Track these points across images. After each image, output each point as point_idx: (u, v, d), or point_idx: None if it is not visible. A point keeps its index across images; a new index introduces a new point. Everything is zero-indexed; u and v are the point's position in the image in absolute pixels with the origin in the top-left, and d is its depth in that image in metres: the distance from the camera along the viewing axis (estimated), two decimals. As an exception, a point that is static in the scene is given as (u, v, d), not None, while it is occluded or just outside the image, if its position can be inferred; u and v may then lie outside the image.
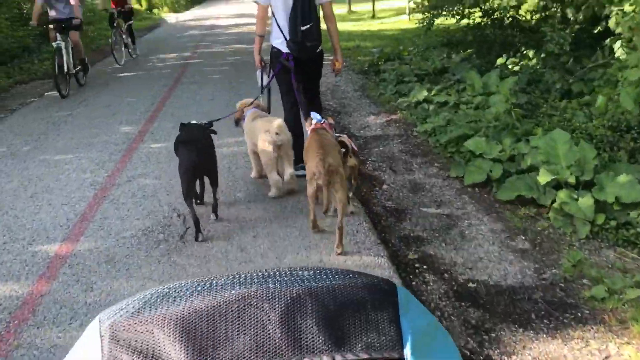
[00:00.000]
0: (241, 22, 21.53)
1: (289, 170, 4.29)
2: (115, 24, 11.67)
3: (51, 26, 8.63)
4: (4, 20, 13.23)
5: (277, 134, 4.06)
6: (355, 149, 4.23)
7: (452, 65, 8.13)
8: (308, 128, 4.01)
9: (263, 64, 4.72)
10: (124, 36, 12.16)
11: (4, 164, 5.47)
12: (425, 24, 9.89)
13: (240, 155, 5.37)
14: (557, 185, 4.08)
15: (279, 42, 4.43)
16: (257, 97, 4.73)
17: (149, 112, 7.40)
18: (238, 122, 4.73)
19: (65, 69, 8.51)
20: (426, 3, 10.79)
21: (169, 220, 3.95)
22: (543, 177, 4.01)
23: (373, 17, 23.53)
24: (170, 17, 27.45)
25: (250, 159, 4.69)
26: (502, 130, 5.07)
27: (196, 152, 3.64)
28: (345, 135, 4.25)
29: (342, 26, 19.05)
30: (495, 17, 9.52)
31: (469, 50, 8.57)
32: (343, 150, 3.88)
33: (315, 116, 4.00)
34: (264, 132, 4.10)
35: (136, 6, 27.79)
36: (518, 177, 4.31)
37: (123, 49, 12.05)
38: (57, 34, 8.45)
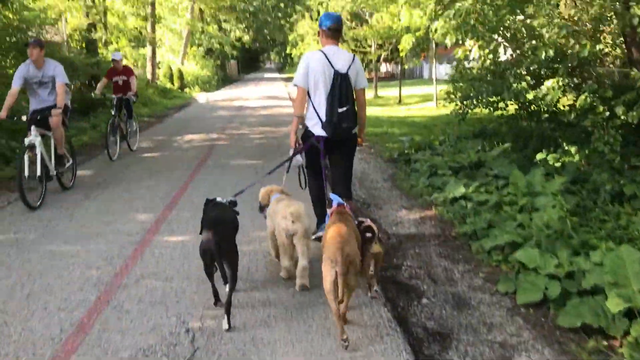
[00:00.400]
0: (269, 103, 21.76)
1: (302, 262, 4.05)
2: (115, 112, 10.43)
3: (24, 117, 7.07)
4: None
5: (292, 222, 3.96)
6: (378, 234, 4.01)
7: (488, 159, 7.69)
8: (329, 210, 4.01)
9: (297, 145, 4.79)
10: (122, 126, 10.60)
11: (6, 254, 5.05)
12: (457, 114, 9.59)
13: (261, 254, 4.88)
14: (630, 312, 3.47)
15: (313, 123, 4.64)
16: (270, 172, 5.07)
17: (169, 197, 7.04)
18: (263, 208, 4.61)
19: (38, 172, 6.65)
20: (459, 94, 10.55)
21: (175, 338, 3.41)
22: (613, 304, 3.41)
23: (399, 102, 23.65)
24: (201, 97, 28.03)
25: (269, 243, 4.54)
26: (555, 239, 4.51)
27: (217, 235, 3.56)
28: (367, 220, 4.11)
29: (369, 111, 19.05)
30: (532, 109, 9.19)
31: (506, 145, 8.15)
32: (369, 235, 3.82)
33: (335, 198, 3.98)
34: (282, 217, 4.03)
35: (168, 85, 28.59)
36: (581, 300, 3.70)
37: (118, 143, 10.38)
38: (33, 128, 6.75)
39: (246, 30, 44.08)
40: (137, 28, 25.41)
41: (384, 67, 59.46)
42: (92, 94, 17.76)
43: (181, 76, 31.44)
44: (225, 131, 13.64)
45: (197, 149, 10.98)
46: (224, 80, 43.34)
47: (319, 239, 4.53)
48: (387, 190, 7.55)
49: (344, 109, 4.49)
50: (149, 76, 26.97)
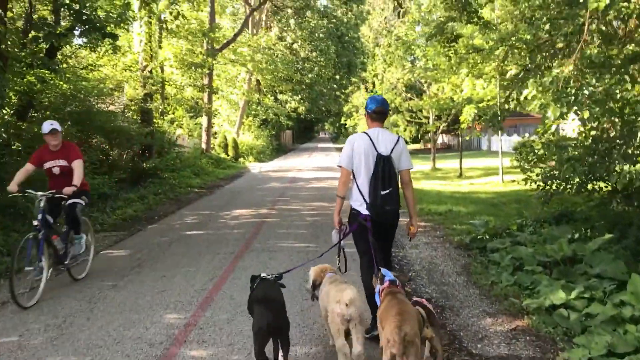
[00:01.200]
0: (322, 175, 20.98)
1: (357, 349, 3.82)
2: (42, 222, 5.90)
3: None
4: None
5: (346, 305, 3.84)
6: (434, 319, 3.91)
7: (586, 253, 6.38)
8: (378, 285, 4.00)
9: (341, 225, 4.77)
10: (57, 244, 6.23)
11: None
12: (540, 196, 8.36)
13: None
14: None
15: (359, 203, 4.63)
16: (319, 256, 5.09)
17: (205, 291, 6.05)
18: (315, 287, 4.55)
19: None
20: (537, 172, 9.32)
21: None
22: None
23: (460, 176, 22.43)
24: (254, 167, 27.69)
25: (325, 324, 4.36)
26: None
27: (271, 312, 3.64)
28: (423, 300, 4.09)
29: (428, 185, 17.89)
30: (629, 191, 7.86)
31: (608, 236, 6.81)
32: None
33: (387, 274, 3.91)
34: (335, 302, 3.93)
35: (222, 154, 28.46)
36: None
37: (45, 272, 5.97)
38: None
39: (302, 101, 44.44)
40: (193, 98, 25.61)
41: (440, 139, 58.73)
42: (144, 164, 17.70)
43: (236, 146, 31.43)
44: (275, 205, 12.79)
45: (244, 226, 10.09)
46: (278, 149, 43.41)
47: (375, 337, 4.30)
48: (463, 288, 6.32)
49: (387, 191, 4.51)
50: (203, 145, 26.95)
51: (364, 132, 4.75)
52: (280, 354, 3.83)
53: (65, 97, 14.14)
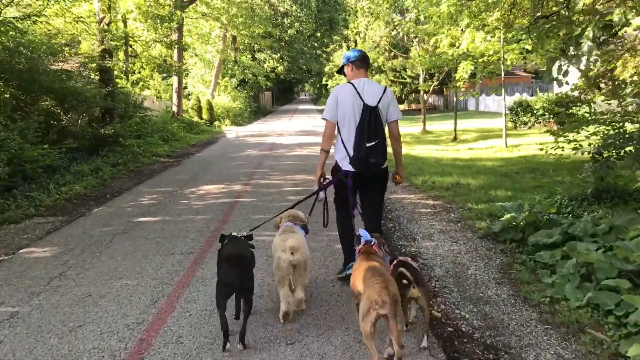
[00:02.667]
0: (305, 140, 18.94)
1: (298, 294, 4.10)
2: None
3: None
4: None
5: (292, 253, 3.97)
6: (420, 277, 3.77)
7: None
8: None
9: (322, 180, 4.68)
10: None
11: None
12: (596, 169, 6.51)
13: None
14: None
15: (341, 157, 4.51)
16: (292, 206, 4.89)
17: (142, 325, 4.12)
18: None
19: None
20: (595, 139, 7.48)
21: None
22: None
23: (455, 139, 20.58)
24: (231, 131, 25.53)
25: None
26: None
27: (235, 270, 3.67)
28: (407, 258, 3.99)
29: (422, 150, 15.99)
30: None
31: None
32: (405, 282, 3.58)
33: (364, 235, 3.92)
34: (281, 250, 4.03)
35: (195, 118, 26.16)
36: None
37: None
38: None
39: (281, 60, 41.84)
40: (162, 56, 23.16)
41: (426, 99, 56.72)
42: (103, 131, 15.47)
43: (210, 108, 29.12)
44: (251, 180, 10.80)
45: (211, 209, 8.12)
46: (257, 112, 41.06)
47: (346, 278, 4.56)
48: (511, 307, 4.47)
49: (372, 143, 4.34)
50: (174, 108, 24.63)
51: (349, 82, 4.54)
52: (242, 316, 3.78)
53: (11, 52, 11.91)
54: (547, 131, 9.90)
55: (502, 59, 16.07)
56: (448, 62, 20.35)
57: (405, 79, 53.97)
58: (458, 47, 18.36)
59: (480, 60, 17.24)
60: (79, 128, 15.02)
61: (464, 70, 18.95)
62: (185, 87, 35.64)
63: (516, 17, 15.21)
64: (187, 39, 30.19)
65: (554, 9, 11.66)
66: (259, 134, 23.35)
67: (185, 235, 6.67)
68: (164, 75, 29.42)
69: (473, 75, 21.62)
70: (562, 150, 7.82)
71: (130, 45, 22.07)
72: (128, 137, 16.34)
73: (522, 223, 6.20)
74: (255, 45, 37.71)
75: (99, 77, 17.22)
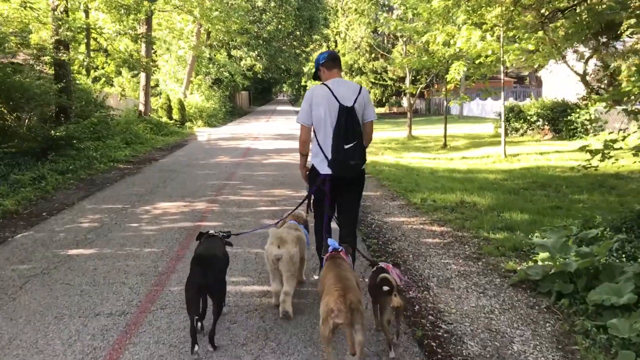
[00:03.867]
0: (283, 146, 17.27)
1: (284, 288, 4.08)
2: None
3: None
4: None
5: (278, 247, 4.04)
6: (400, 284, 3.78)
7: None
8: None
9: (308, 176, 4.56)
10: None
11: None
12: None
13: None
14: None
15: (318, 160, 4.35)
16: (296, 207, 4.87)
17: None
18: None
19: None
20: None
21: None
22: None
23: (445, 146, 19.18)
24: (202, 134, 23.73)
25: None
26: None
27: (204, 270, 3.58)
28: (389, 265, 3.90)
29: (412, 158, 14.50)
30: None
31: None
32: (386, 288, 3.45)
33: (332, 243, 3.87)
34: (269, 243, 4.10)
35: (164, 118, 24.31)
36: None
37: None
38: None
39: (259, 58, 40.04)
40: (128, 51, 21.29)
41: (406, 102, 55.42)
42: (53, 132, 13.62)
43: (182, 108, 27.24)
44: (219, 195, 9.13)
45: (164, 238, 6.44)
46: (233, 112, 39.22)
47: None
48: None
49: (351, 145, 4.18)
50: (141, 107, 22.75)
51: (323, 84, 4.38)
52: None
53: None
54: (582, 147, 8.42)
55: (501, 59, 14.67)
56: (438, 62, 18.98)
57: (387, 81, 52.97)
58: (450, 46, 16.96)
59: (477, 61, 15.83)
60: (26, 129, 13.16)
61: (456, 71, 17.55)
62: (157, 85, 33.70)
63: (519, 13, 13.84)
64: (157, 33, 28.30)
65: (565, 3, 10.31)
66: (233, 137, 21.61)
67: (122, 280, 4.98)
68: (135, 72, 27.50)
69: (465, 77, 20.28)
70: (614, 161, 6.32)
71: (94, 39, 20.18)
72: (84, 140, 14.52)
73: (572, 270, 4.67)
74: (231, 42, 35.87)
75: (53, 72, 15.38)
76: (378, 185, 10.40)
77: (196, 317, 3.70)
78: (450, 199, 8.86)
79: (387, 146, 19.42)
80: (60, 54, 14.63)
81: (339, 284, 3.16)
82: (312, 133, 4.38)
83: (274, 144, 18.33)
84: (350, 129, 4.18)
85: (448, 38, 15.48)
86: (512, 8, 13.91)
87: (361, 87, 4.37)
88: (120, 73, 29.91)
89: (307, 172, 4.57)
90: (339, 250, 3.80)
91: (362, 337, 3.09)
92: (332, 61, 4.49)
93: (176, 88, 31.69)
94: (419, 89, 22.64)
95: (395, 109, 52.54)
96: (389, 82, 51.75)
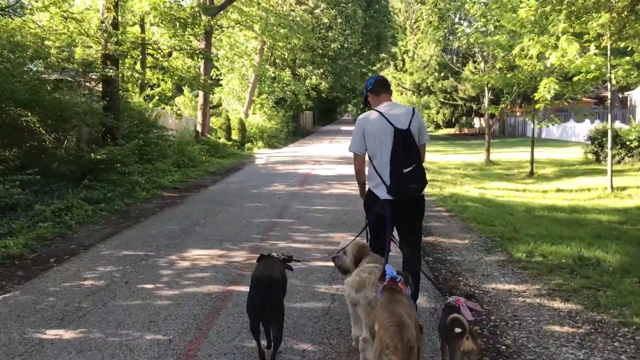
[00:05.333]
0: (346, 171, 15.38)
1: (363, 334, 3.54)
2: None
3: None
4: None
5: (355, 291, 3.63)
6: (471, 317, 3.42)
7: None
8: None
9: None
10: None
11: None
12: None
13: None
14: None
15: (378, 188, 4.18)
16: (357, 235, 4.54)
17: None
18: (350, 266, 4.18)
19: None
20: None
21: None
22: None
23: (532, 175, 16.76)
24: (261, 156, 22.28)
25: None
26: None
27: (259, 293, 3.55)
28: (459, 299, 3.53)
29: (499, 189, 12.14)
30: None
31: None
32: (458, 330, 3.14)
33: (390, 271, 3.52)
34: (346, 282, 3.79)
35: (222, 139, 23.08)
36: None
37: None
38: None
39: (324, 76, 38.60)
40: (185, 68, 20.20)
41: (477, 123, 52.39)
42: (92, 155, 12.41)
43: (243, 128, 26.05)
44: (266, 240, 7.32)
45: (179, 315, 4.67)
46: (295, 133, 37.86)
47: None
48: None
49: (410, 168, 4.05)
50: (198, 128, 21.61)
51: (374, 110, 4.28)
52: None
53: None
54: None
55: (608, 75, 12.28)
56: (525, 80, 16.69)
57: (457, 100, 50.30)
58: (541, 61, 14.67)
59: (576, 78, 13.48)
60: (64, 151, 11.99)
61: (546, 89, 15.20)
62: (219, 105, 32.87)
63: (635, 19, 11.48)
64: (220, 51, 27.39)
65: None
66: (292, 160, 19.97)
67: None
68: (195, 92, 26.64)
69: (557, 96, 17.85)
70: None
71: (150, 54, 19.22)
72: (129, 163, 13.24)
73: None
74: (296, 60, 34.63)
75: (102, 91, 14.31)
76: (464, 228, 8.33)
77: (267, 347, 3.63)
78: (563, 252, 6.71)
79: (464, 172, 17.21)
80: (107, 70, 13.49)
81: (394, 319, 2.98)
82: (369, 160, 4.23)
83: (336, 169, 16.51)
84: (409, 152, 4.07)
85: (543, 50, 13.20)
86: (624, 14, 11.60)
87: (414, 109, 4.27)
88: (181, 91, 29.23)
89: (364, 203, 4.42)
90: (397, 280, 3.51)
91: None
92: (379, 87, 4.40)
93: (238, 107, 30.69)
94: (501, 109, 20.21)
95: (465, 130, 49.79)
96: (459, 102, 49.29)
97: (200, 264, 6.13)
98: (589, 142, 21.07)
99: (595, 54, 12.76)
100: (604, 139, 19.72)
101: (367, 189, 4.34)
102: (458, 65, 45.76)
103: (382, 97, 4.35)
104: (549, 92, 15.31)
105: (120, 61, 14.90)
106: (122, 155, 13.00)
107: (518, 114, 44.89)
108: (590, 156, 20.60)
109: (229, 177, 14.87)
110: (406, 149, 4.05)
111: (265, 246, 6.86)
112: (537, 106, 15.83)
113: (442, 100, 50.27)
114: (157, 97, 18.05)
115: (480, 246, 7.21)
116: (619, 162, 19.16)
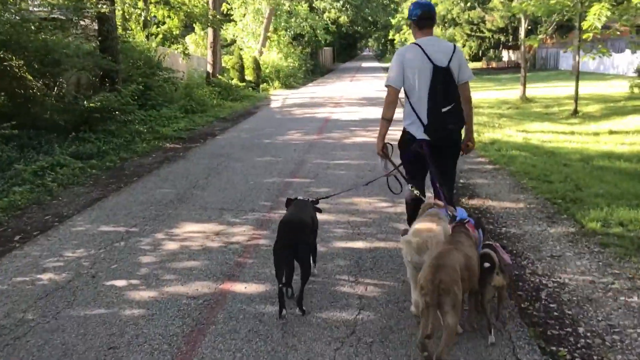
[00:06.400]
0: (370, 115, 13.87)
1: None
2: None
3: None
4: None
5: (418, 254, 3.26)
6: (508, 262, 3.43)
7: None
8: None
9: (385, 151, 4.15)
10: None
11: None
12: None
13: None
14: None
15: (415, 127, 4.01)
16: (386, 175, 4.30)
17: None
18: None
19: None
20: None
21: None
22: None
23: (575, 113, 15.04)
24: (277, 98, 20.75)
25: None
26: None
27: (290, 232, 3.49)
28: (497, 244, 3.50)
29: (542, 133, 10.06)
30: None
31: None
32: (487, 265, 3.14)
33: (460, 213, 3.50)
34: (406, 242, 3.33)
35: (234, 80, 21.54)
36: None
37: None
38: None
39: (344, 9, 36.16)
40: (192, 1, 18.47)
41: (506, 56, 49.54)
42: (85, 103, 11.11)
43: (257, 68, 24.40)
44: (275, 211, 5.98)
45: (148, 337, 3.48)
46: (314, 71, 35.96)
47: None
48: None
49: (448, 107, 3.88)
50: (209, 68, 20.07)
51: (414, 43, 4.01)
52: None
53: None
54: None
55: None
56: (570, 6, 14.72)
57: (484, 32, 47.35)
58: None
59: (622, 4, 11.58)
60: (54, 99, 10.71)
61: (596, 16, 13.31)
62: (233, 42, 31.07)
63: None
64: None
65: None
66: (311, 102, 18.42)
67: None
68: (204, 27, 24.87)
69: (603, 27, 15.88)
70: None
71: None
72: (130, 111, 11.93)
73: None
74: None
75: (97, 31, 12.85)
76: (515, 186, 6.92)
77: (284, 284, 3.45)
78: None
79: (499, 112, 15.56)
80: (100, 5, 11.96)
81: (433, 260, 2.91)
82: (406, 97, 4.05)
83: (359, 112, 14.99)
84: (447, 91, 3.89)
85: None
86: None
87: (455, 46, 4.06)
88: (193, 29, 27.47)
89: (398, 141, 4.22)
90: (466, 221, 3.39)
91: (451, 321, 2.74)
92: (425, 19, 4.05)
93: (253, 45, 28.89)
94: (540, 40, 18.09)
95: (494, 64, 47.16)
96: (487, 34, 46.52)
97: (191, 245, 4.87)
98: (636, 74, 19.10)
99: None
100: (651, 74, 17.77)
101: (403, 129, 4.16)
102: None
103: (425, 31, 4.07)
104: (599, 19, 13.44)
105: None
106: (120, 102, 11.68)
107: (550, 44, 42.04)
108: (637, 90, 18.68)
109: (240, 124, 13.49)
110: (445, 87, 3.88)
111: (274, 217, 5.57)
112: (585, 36, 13.90)
113: (469, 32, 47.61)
114: (161, 36, 16.46)
115: (540, 212, 5.82)
116: (673, 98, 17.28)
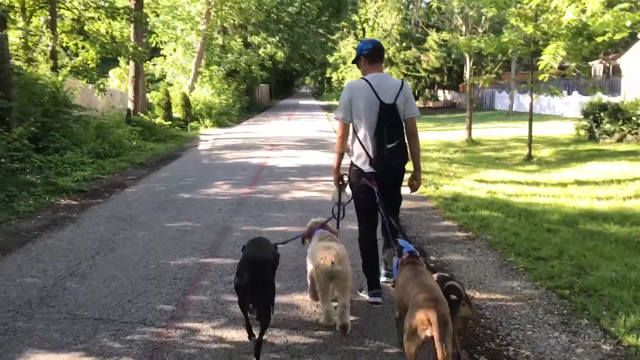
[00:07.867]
0: (312, 161, 12.18)
1: (342, 300, 3.63)
2: None
3: None
4: None
5: (332, 263, 3.57)
6: (465, 294, 3.32)
7: None
8: (395, 258, 3.63)
9: (342, 183, 4.33)
10: None
11: None
12: None
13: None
14: None
15: (361, 161, 4.18)
16: (329, 218, 4.32)
17: None
18: (304, 241, 4.34)
19: None
20: None
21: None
22: None
23: (530, 159, 14.01)
24: (208, 138, 18.83)
25: (307, 279, 4.10)
26: None
27: (245, 272, 3.27)
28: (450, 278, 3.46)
29: (503, 184, 9.53)
30: None
31: None
32: (454, 298, 3.10)
33: (406, 245, 3.53)
34: (320, 259, 3.64)
35: (159, 119, 19.50)
36: None
37: None
38: None
39: (280, 45, 34.93)
40: (111, 32, 16.49)
41: (441, 95, 49.75)
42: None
43: (187, 105, 22.50)
44: (177, 321, 4.15)
45: None
46: (250, 108, 34.32)
47: (375, 301, 4.22)
48: None
49: (393, 144, 4.04)
50: (130, 105, 17.98)
51: (362, 78, 4.20)
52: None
53: None
54: None
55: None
56: (523, 45, 13.90)
57: (420, 72, 47.43)
58: (560, 17, 11.77)
59: (600, 38, 10.70)
60: None
61: (552, 54, 12.55)
62: (162, 78, 29.11)
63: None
64: (159, 16, 23.59)
65: None
66: (245, 144, 16.60)
67: None
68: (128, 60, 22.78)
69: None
70: None
71: (61, 17, 15.46)
72: (21, 158, 9.79)
73: None
74: (248, 25, 30.89)
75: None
76: (502, 266, 5.35)
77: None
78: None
79: (448, 156, 14.34)
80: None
81: (427, 294, 2.87)
82: (354, 133, 4.16)
83: (298, 157, 13.33)
84: (393, 128, 4.02)
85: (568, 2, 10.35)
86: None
87: (403, 82, 4.19)
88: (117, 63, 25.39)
89: (346, 175, 4.33)
90: (416, 254, 3.42)
91: (450, 351, 2.75)
92: (375, 54, 4.23)
93: (184, 81, 27.00)
94: (485, 78, 17.10)
95: (430, 103, 47.15)
96: (423, 74, 46.73)
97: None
98: (582, 117, 18.57)
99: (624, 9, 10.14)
100: (601, 113, 17.21)
101: (351, 164, 4.27)
102: (420, 31, 43.08)
103: (374, 66, 4.22)
104: (554, 58, 12.64)
105: (7, 20, 11.24)
106: (7, 147, 9.54)
107: (481, 84, 42.47)
108: (582, 133, 18.14)
109: (158, 171, 11.50)
110: (391, 123, 4.01)
111: (174, 338, 3.70)
112: (541, 77, 12.98)
113: (405, 72, 47.65)
114: (69, 68, 14.32)
115: (549, 312, 4.24)
116: (619, 140, 16.71)
